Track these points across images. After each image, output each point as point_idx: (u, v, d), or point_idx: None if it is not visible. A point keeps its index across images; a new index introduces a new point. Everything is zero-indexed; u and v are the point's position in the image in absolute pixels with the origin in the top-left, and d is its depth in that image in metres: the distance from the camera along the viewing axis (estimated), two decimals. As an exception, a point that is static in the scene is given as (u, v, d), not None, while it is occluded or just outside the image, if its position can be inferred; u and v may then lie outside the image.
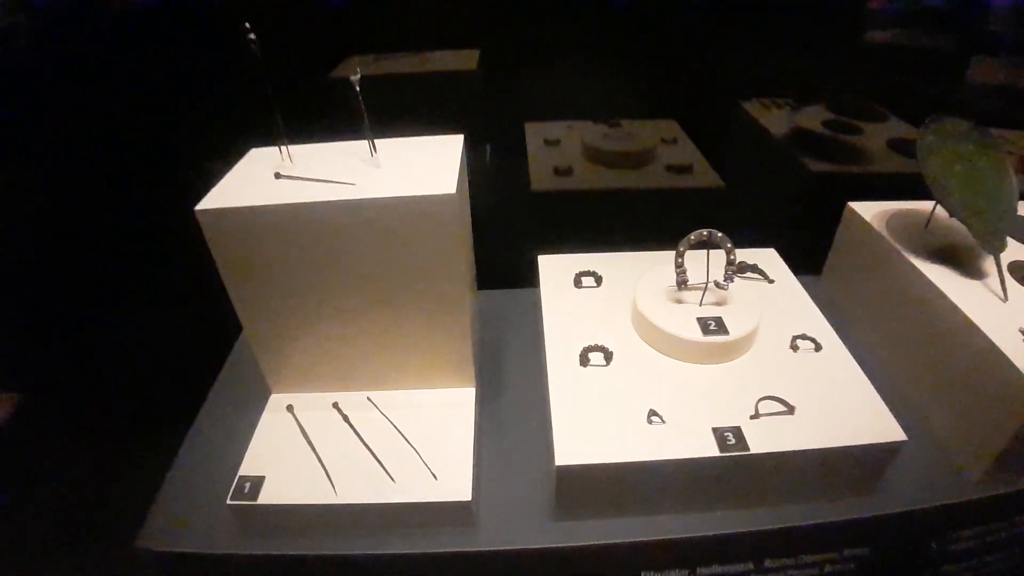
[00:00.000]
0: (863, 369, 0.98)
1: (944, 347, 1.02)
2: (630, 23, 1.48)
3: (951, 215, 1.05)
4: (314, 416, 0.97)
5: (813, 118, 1.55)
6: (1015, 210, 1.08)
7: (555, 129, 1.56)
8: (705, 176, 1.43)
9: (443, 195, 0.82)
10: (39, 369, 1.04)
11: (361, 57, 1.27)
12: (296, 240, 0.85)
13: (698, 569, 0.89)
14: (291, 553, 0.86)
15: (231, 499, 0.86)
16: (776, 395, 0.89)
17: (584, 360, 0.94)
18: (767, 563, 0.91)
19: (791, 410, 0.87)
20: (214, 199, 0.83)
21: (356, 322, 0.93)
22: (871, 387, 0.92)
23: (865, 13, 1.69)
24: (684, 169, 1.43)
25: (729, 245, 0.95)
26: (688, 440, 0.83)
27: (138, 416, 1.04)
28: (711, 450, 0.82)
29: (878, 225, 1.18)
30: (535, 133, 1.55)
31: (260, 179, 0.88)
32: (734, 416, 0.87)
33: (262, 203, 0.82)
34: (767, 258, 1.17)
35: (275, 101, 0.89)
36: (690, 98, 1.57)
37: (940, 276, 1.06)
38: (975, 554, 1.01)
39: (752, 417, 0.87)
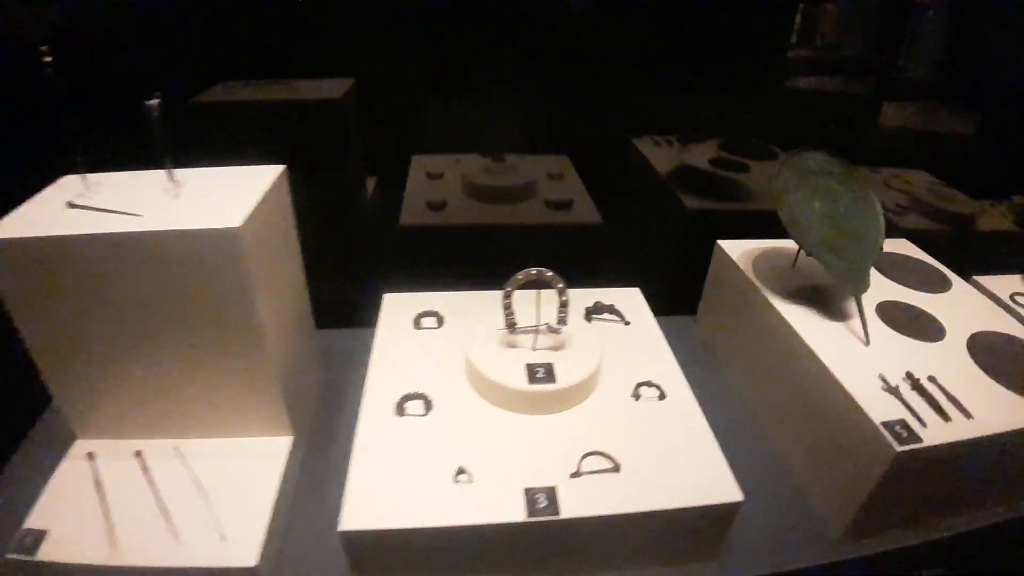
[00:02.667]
0: (724, 416, 0.89)
1: (804, 394, 0.92)
2: (529, 57, 1.41)
3: (808, 255, 0.96)
4: (115, 465, 0.84)
5: (702, 156, 1.47)
6: (880, 248, 0.99)
7: (441, 163, 1.46)
8: (584, 212, 1.33)
9: (226, 229, 0.71)
10: None
11: (230, 83, 1.17)
12: (74, 275, 0.74)
13: (518, 643, 0.77)
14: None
15: (10, 553, 0.74)
16: (604, 450, 0.78)
17: (400, 409, 0.83)
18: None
19: (617, 468, 0.76)
20: (-1, 228, 0.72)
21: (154, 364, 0.81)
22: (713, 440, 0.81)
23: (774, 57, 1.64)
24: (563, 205, 1.34)
25: (561, 285, 0.84)
26: (494, 503, 0.72)
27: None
28: (518, 514, 0.71)
29: (744, 263, 1.08)
30: (420, 166, 1.45)
31: (53, 207, 0.77)
32: (554, 475, 0.75)
33: (28, 235, 0.71)
34: (629, 298, 1.07)
35: (74, 126, 0.79)
36: (584, 134, 1.49)
37: (800, 318, 0.97)
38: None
39: (573, 476, 0.75)
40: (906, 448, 0.76)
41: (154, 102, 0.76)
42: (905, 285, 1.10)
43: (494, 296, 1.02)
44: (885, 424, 0.78)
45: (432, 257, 1.27)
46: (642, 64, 1.46)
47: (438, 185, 1.40)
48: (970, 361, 0.93)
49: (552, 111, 1.48)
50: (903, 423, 0.79)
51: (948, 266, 1.23)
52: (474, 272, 1.08)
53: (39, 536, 0.75)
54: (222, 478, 0.82)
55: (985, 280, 1.27)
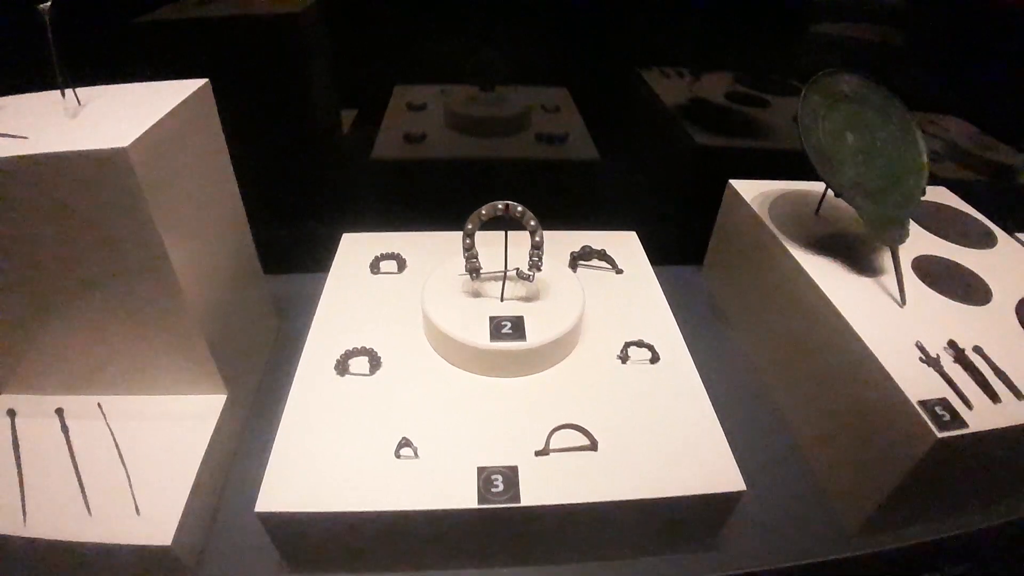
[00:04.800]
0: (729, 384, 0.78)
1: (825, 362, 0.76)
2: None
3: (837, 196, 0.77)
4: (35, 424, 0.72)
5: (716, 89, 1.26)
6: (922, 191, 0.81)
7: (425, 94, 1.27)
8: (580, 148, 1.15)
9: (113, 149, 0.55)
10: None
11: (180, 2, 0.98)
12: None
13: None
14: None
15: None
16: (580, 423, 0.62)
17: (342, 368, 0.68)
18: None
19: (593, 445, 0.61)
20: None
21: (66, 314, 0.67)
22: (712, 415, 0.66)
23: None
24: (557, 139, 1.15)
25: (533, 223, 0.67)
26: (440, 484, 0.58)
27: None
28: (468, 500, 0.56)
29: (759, 206, 0.90)
30: (401, 97, 1.26)
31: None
32: (516, 452, 0.61)
33: None
34: (624, 243, 0.89)
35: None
36: (585, 64, 1.28)
37: (824, 271, 0.80)
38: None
39: (539, 453, 0.60)
40: (949, 434, 0.60)
41: (45, 5, 0.60)
42: (944, 238, 0.92)
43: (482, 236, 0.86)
44: (923, 403, 0.62)
45: (407, 196, 1.11)
46: None
47: (419, 117, 1.22)
48: (1020, 329, 0.76)
49: (551, 38, 1.27)
50: (945, 403, 0.63)
51: (991, 220, 1.04)
52: (452, 213, 0.92)
53: None
54: (144, 442, 0.69)
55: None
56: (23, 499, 0.65)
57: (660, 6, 1.25)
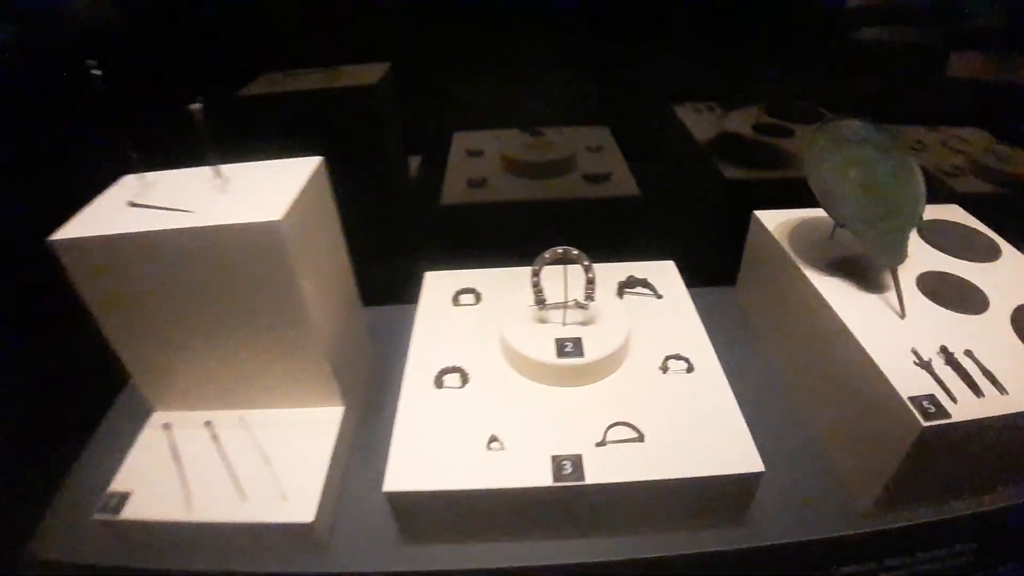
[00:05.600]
0: (756, 387, 0.95)
1: (834, 367, 0.93)
2: (564, 25, 1.41)
3: (839, 226, 0.95)
4: (188, 434, 0.93)
5: (744, 122, 1.44)
6: (919, 218, 0.98)
7: (481, 139, 1.49)
8: (621, 185, 1.34)
9: (269, 222, 0.77)
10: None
11: (272, 74, 1.23)
12: (138, 267, 0.82)
13: (547, 598, 0.84)
14: (142, 567, 0.84)
15: (97, 513, 0.85)
16: (630, 421, 0.82)
17: (439, 382, 0.89)
18: (622, 593, 0.84)
19: (641, 437, 0.80)
20: (66, 230, 0.81)
21: (216, 344, 0.90)
22: (738, 412, 0.84)
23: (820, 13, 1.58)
24: (601, 178, 1.35)
25: (587, 263, 0.88)
26: (523, 468, 0.77)
27: (39, 432, 1.04)
28: (545, 479, 0.76)
29: (780, 233, 1.08)
30: (460, 143, 1.49)
31: (115, 207, 0.86)
32: (580, 443, 0.80)
33: (93, 234, 0.79)
34: (663, 271, 1.09)
35: (127, 133, 0.86)
36: (623, 104, 1.49)
37: (834, 289, 0.97)
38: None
39: (598, 444, 0.80)
40: (933, 424, 0.76)
41: (197, 106, 0.83)
42: (950, 254, 1.07)
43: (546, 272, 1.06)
44: (913, 399, 0.79)
45: (473, 234, 1.32)
46: (683, 26, 1.44)
47: (478, 162, 1.44)
48: (1013, 335, 0.91)
49: (590, 81, 1.47)
50: (932, 398, 0.79)
51: (1004, 234, 1.19)
52: (514, 248, 1.12)
53: (123, 498, 0.86)
54: (282, 445, 0.91)
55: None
56: (187, 492, 0.88)
57: (688, 41, 1.44)
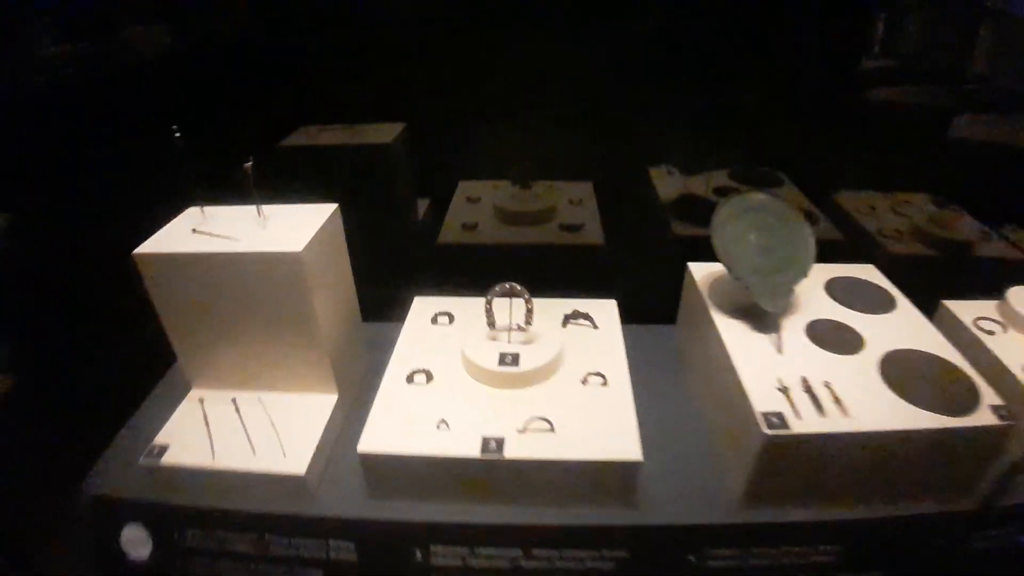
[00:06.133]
0: (670, 403, 1.26)
1: (724, 389, 1.18)
2: (561, 91, 1.73)
3: (735, 278, 1.21)
4: (217, 407, 1.22)
5: (707, 185, 1.71)
6: (805, 275, 1.23)
7: (480, 188, 1.81)
8: (591, 235, 1.63)
9: (292, 252, 1.10)
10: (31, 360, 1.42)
11: (309, 127, 1.58)
12: (194, 278, 1.14)
13: (476, 549, 1.10)
14: (176, 503, 1.15)
15: (142, 459, 1.15)
16: (547, 416, 1.09)
17: (410, 379, 1.18)
18: (535, 552, 1.10)
19: (552, 429, 1.08)
20: (145, 246, 1.15)
21: (245, 340, 1.21)
22: (633, 415, 1.09)
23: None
24: (574, 228, 1.64)
25: (527, 296, 1.17)
26: (459, 444, 1.05)
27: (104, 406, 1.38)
28: (474, 453, 1.04)
29: (703, 283, 1.35)
30: (463, 191, 1.80)
31: (182, 232, 1.20)
32: (506, 430, 1.07)
33: (165, 251, 1.13)
34: (605, 308, 1.36)
35: (196, 178, 1.21)
36: (606, 163, 1.79)
37: (732, 329, 1.22)
38: (737, 574, 1.14)
39: (519, 431, 1.08)
40: (774, 433, 1.00)
41: (248, 165, 1.17)
42: (847, 306, 1.31)
43: (502, 303, 1.36)
44: (764, 414, 1.03)
45: (462, 269, 1.62)
46: (670, 95, 1.74)
47: (475, 208, 1.75)
48: (875, 373, 1.14)
49: (580, 141, 1.79)
50: (780, 415, 1.03)
51: (923, 291, 1.43)
52: (496, 282, 1.43)
53: (163, 449, 1.15)
54: (288, 418, 1.20)
55: (954, 304, 1.45)
56: (212, 448, 1.18)
57: (670, 108, 1.74)
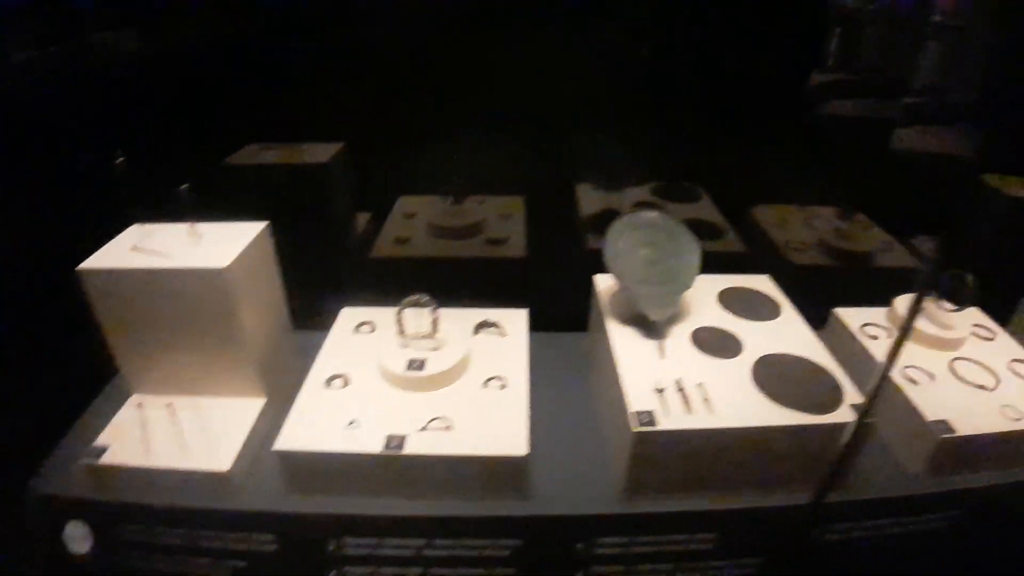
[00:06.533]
0: (570, 404, 1.39)
1: (611, 390, 1.30)
2: (500, 106, 1.86)
3: (624, 289, 1.35)
4: (154, 411, 1.34)
5: (630, 200, 1.85)
6: (687, 286, 1.37)
7: (417, 204, 1.94)
8: (514, 248, 1.76)
9: (217, 268, 1.23)
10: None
11: (253, 146, 1.71)
12: (131, 292, 1.26)
13: (384, 540, 1.23)
14: (113, 500, 1.26)
15: (83, 460, 1.26)
16: (448, 416, 1.22)
17: (328, 383, 1.31)
18: (437, 542, 1.23)
19: (449, 428, 1.21)
20: (88, 262, 1.27)
21: (179, 349, 1.33)
22: (525, 413, 1.22)
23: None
24: (500, 242, 1.78)
25: (433, 306, 1.30)
26: (365, 442, 1.18)
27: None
28: (377, 449, 1.17)
29: (605, 293, 1.48)
30: (402, 206, 1.94)
31: (123, 249, 1.33)
32: (409, 429, 1.20)
33: (104, 266, 1.26)
34: (516, 317, 1.50)
35: (137, 199, 1.34)
36: (537, 178, 1.93)
37: (622, 335, 1.35)
38: (623, 560, 1.27)
39: (420, 430, 1.21)
40: (642, 429, 1.13)
41: (183, 188, 1.30)
42: (735, 314, 1.45)
43: (414, 312, 1.49)
44: (637, 412, 1.16)
45: (395, 282, 1.74)
46: (601, 113, 1.87)
47: (410, 223, 1.88)
48: (748, 374, 1.28)
49: (513, 157, 1.92)
50: (650, 413, 1.16)
51: (821, 299, 1.57)
52: (423, 293, 1.56)
53: (102, 450, 1.27)
54: (219, 421, 1.33)
55: (845, 312, 1.59)
56: (147, 448, 1.29)
57: (600, 126, 1.87)
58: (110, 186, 1.32)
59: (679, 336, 1.37)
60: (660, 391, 1.22)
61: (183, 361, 1.36)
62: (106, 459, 1.27)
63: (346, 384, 1.32)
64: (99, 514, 1.29)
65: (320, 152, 1.71)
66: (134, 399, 1.42)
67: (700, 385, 1.24)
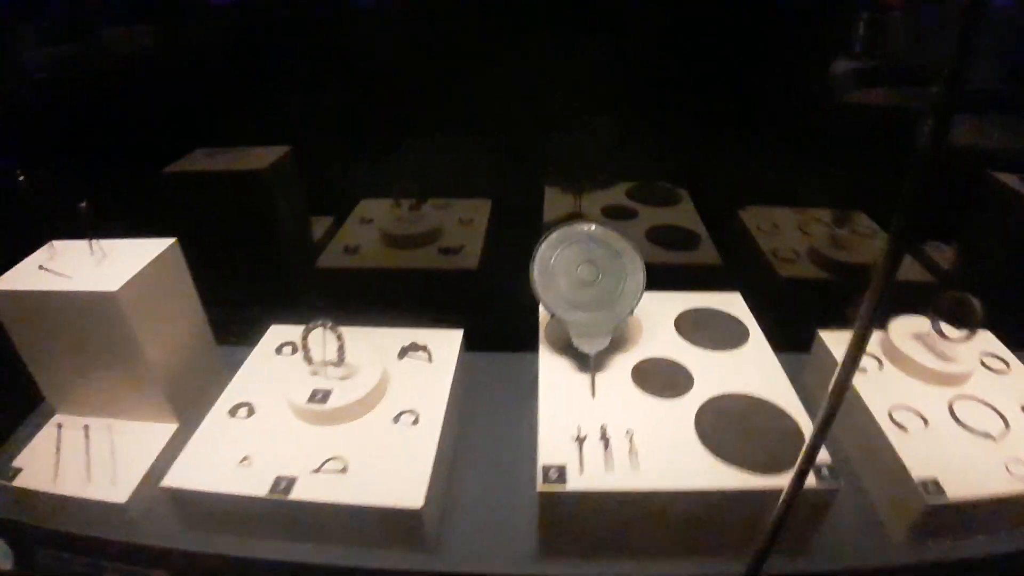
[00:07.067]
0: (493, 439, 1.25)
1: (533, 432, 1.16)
2: (468, 103, 1.70)
3: (551, 314, 1.18)
4: (71, 433, 1.30)
5: (599, 203, 1.66)
6: (626, 316, 1.19)
7: (376, 208, 1.81)
8: (466, 259, 1.61)
9: (107, 292, 1.15)
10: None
11: (201, 150, 1.62)
12: (36, 312, 1.21)
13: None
14: (24, 520, 1.22)
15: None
16: (346, 457, 1.11)
17: (233, 413, 1.22)
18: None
19: (345, 470, 1.09)
20: (-3, 283, 1.22)
21: (92, 371, 1.28)
22: (430, 459, 1.10)
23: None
24: (452, 251, 1.63)
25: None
26: (252, 482, 1.08)
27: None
28: (262, 492, 1.07)
29: (546, 314, 1.32)
30: (360, 211, 1.81)
31: (31, 268, 1.26)
32: (302, 469, 1.10)
33: (8, 288, 1.20)
34: (448, 339, 1.37)
35: (44, 217, 1.27)
36: (505, 180, 1.77)
37: (554, 366, 1.21)
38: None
39: (313, 471, 1.09)
40: (547, 489, 0.99)
41: (83, 204, 1.22)
42: (691, 342, 1.26)
43: (354, 331, 1.36)
44: (545, 467, 1.01)
45: (342, 294, 1.63)
46: (575, 110, 1.70)
47: (366, 229, 1.76)
48: (691, 421, 1.10)
49: (479, 158, 1.76)
50: (561, 469, 1.01)
51: (807, 319, 1.37)
52: (371, 307, 1.45)
53: (17, 471, 1.24)
54: (129, 446, 1.27)
55: (832, 335, 1.38)
56: (56, 472, 1.24)
57: (573, 123, 1.70)
58: (20, 203, 1.25)
59: (619, 368, 1.21)
60: (581, 440, 1.06)
61: (94, 384, 1.30)
62: (19, 482, 1.24)
63: (251, 414, 1.22)
64: (15, 534, 1.25)
65: (262, 157, 1.61)
66: (56, 419, 1.37)
67: (629, 433, 1.08)
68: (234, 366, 1.42)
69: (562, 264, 1.20)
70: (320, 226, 1.81)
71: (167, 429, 1.31)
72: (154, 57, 1.66)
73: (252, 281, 1.56)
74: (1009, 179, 1.53)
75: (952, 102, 0.46)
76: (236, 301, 1.46)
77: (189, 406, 1.35)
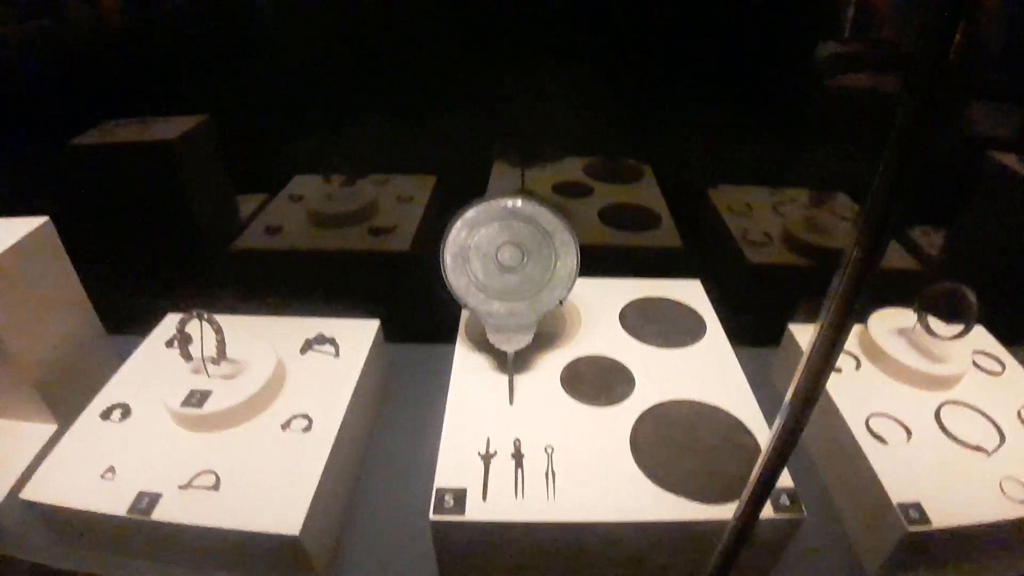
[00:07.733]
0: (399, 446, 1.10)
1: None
2: (402, 80, 1.51)
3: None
4: None
5: (553, 179, 1.47)
6: (551, 309, 1.00)
7: (308, 184, 1.62)
8: (399, 239, 1.43)
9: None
10: None
11: (111, 122, 1.44)
12: None
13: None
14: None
15: None
16: (220, 471, 0.94)
17: (106, 415, 1.06)
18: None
19: (217, 486, 0.92)
20: None
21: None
22: (317, 477, 0.94)
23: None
24: (384, 231, 1.44)
25: (217, 325, 1.00)
26: (112, 498, 0.92)
27: None
28: (121, 510, 0.90)
29: (470, 307, 1.14)
30: (292, 188, 1.62)
31: None
32: (169, 483, 0.94)
33: None
34: (362, 330, 1.19)
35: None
36: (451, 155, 1.57)
37: (470, 366, 1.05)
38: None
39: (181, 487, 0.93)
40: (439, 519, 0.82)
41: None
42: (638, 337, 1.09)
43: (257, 322, 1.19)
44: (440, 490, 0.85)
45: (261, 278, 1.45)
46: (529, 75, 1.50)
47: (295, 208, 1.57)
48: (625, 434, 0.93)
49: (423, 130, 1.56)
50: (460, 493, 0.85)
51: (772, 310, 1.18)
52: (291, 292, 1.27)
53: None
54: (6, 448, 1.12)
55: (802, 329, 1.20)
56: None
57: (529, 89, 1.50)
58: None
59: (546, 369, 1.03)
60: (487, 458, 0.88)
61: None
62: None
63: (125, 416, 1.06)
64: None
65: (172, 127, 1.42)
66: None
67: (548, 450, 0.90)
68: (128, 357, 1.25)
69: (481, 246, 1.02)
70: (251, 205, 1.62)
71: (44, 430, 1.15)
72: (65, 25, 1.47)
73: (160, 264, 1.39)
74: (1007, 158, 1.33)
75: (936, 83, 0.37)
76: (140, 287, 1.29)
77: (71, 404, 1.19)
